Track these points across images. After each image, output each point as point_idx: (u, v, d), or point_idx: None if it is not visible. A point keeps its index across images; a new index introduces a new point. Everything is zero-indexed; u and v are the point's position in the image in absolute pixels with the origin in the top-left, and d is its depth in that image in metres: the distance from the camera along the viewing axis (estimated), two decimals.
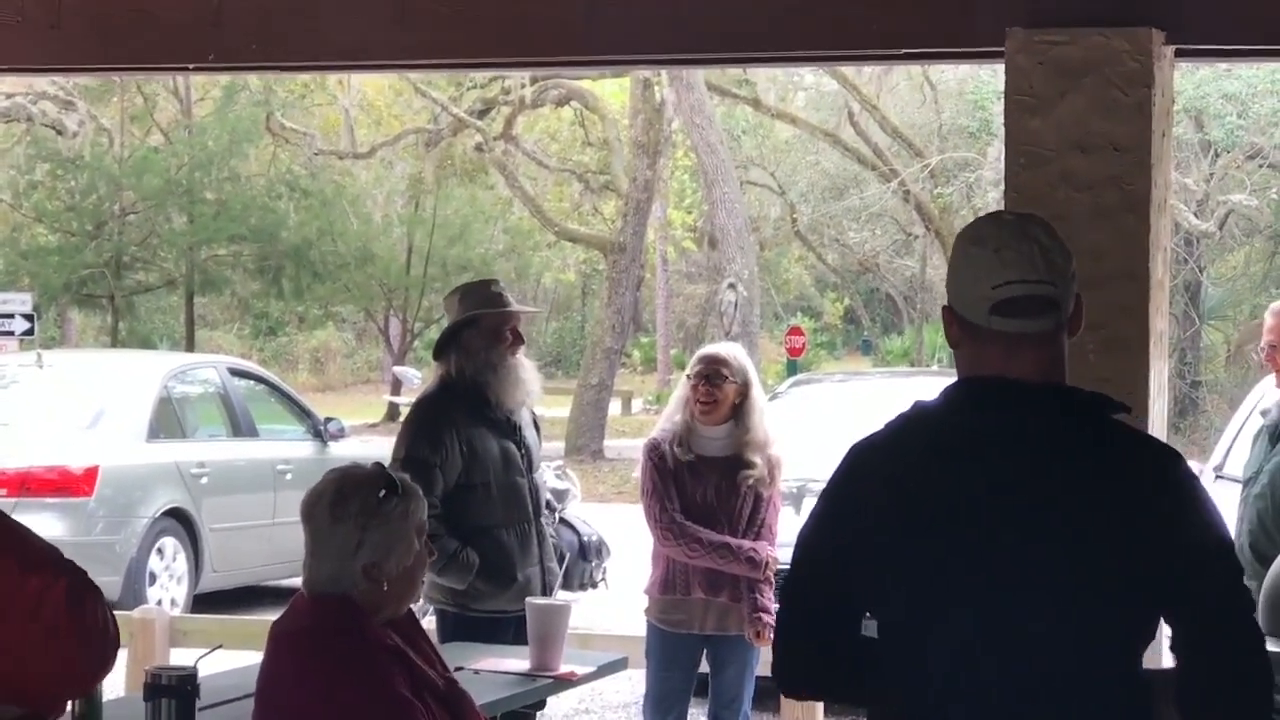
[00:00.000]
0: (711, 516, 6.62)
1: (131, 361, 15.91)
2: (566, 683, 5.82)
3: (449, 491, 6.34)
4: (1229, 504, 6.75)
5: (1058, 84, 5.09)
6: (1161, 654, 3.07)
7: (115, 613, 3.36)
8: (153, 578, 12.50)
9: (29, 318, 20.13)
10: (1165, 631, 3.04)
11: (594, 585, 10.56)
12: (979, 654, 2.94)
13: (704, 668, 6.82)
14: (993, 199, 26.33)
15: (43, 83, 26.78)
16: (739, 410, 6.69)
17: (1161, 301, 5.23)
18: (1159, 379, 5.22)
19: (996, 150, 25.52)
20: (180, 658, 6.66)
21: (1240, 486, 6.78)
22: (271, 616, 4.31)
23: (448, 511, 6.30)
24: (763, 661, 6.60)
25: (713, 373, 6.68)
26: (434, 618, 6.61)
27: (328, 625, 3.92)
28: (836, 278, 42.68)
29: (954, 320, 3.08)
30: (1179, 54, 5.31)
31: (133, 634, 7.24)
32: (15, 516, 3.34)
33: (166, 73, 19.41)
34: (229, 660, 5.13)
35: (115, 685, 4.09)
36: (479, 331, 6.48)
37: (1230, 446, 9.17)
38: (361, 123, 33.80)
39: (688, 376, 6.77)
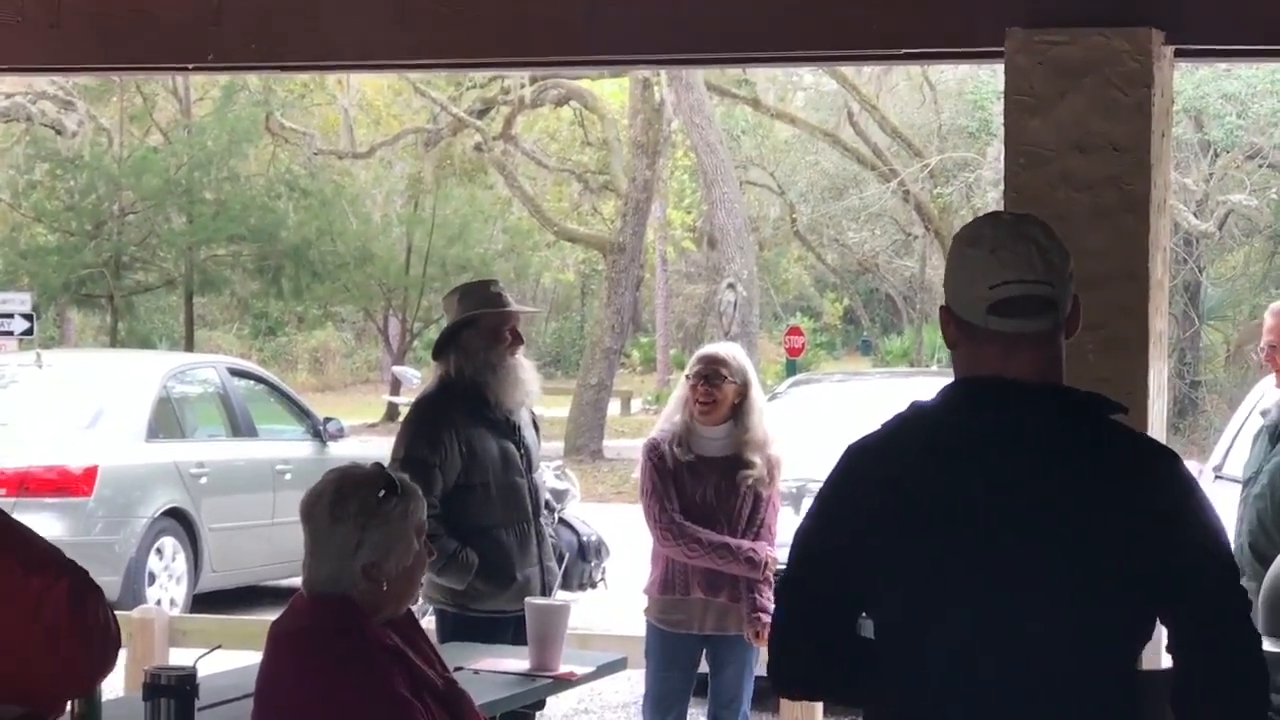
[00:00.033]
0: (711, 517, 6.62)
1: (131, 361, 15.91)
2: (566, 683, 5.82)
3: (448, 491, 6.34)
4: (1229, 504, 6.75)
5: (1057, 84, 5.09)
6: (1160, 654, 3.06)
7: (114, 613, 3.36)
8: (152, 578, 12.50)
9: (28, 317, 20.13)
10: (1161, 632, 3.04)
11: (593, 585, 10.56)
12: (976, 654, 2.95)
13: (703, 668, 6.83)
14: (992, 199, 26.32)
15: (42, 82, 26.78)
16: (738, 410, 6.69)
17: (1161, 301, 5.23)
18: (1158, 379, 5.22)
19: (996, 150, 25.51)
20: (179, 658, 6.66)
21: (1240, 487, 6.78)
22: (271, 616, 4.31)
23: (447, 511, 6.30)
24: (762, 661, 6.59)
25: (712, 373, 6.68)
26: (433, 618, 6.61)
27: (327, 625, 3.92)
28: (836, 278, 42.67)
29: (951, 320, 3.08)
30: (1179, 54, 5.31)
31: (132, 634, 7.24)
32: (14, 516, 3.34)
33: (166, 73, 19.41)
34: (228, 660, 5.13)
35: (114, 685, 4.09)
36: (478, 331, 6.48)
37: (1230, 447, 9.17)
38: (361, 122, 33.80)
39: (687, 377, 6.77)
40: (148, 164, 28.66)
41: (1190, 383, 28.04)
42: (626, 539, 10.89)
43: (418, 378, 20.30)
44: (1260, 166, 26.61)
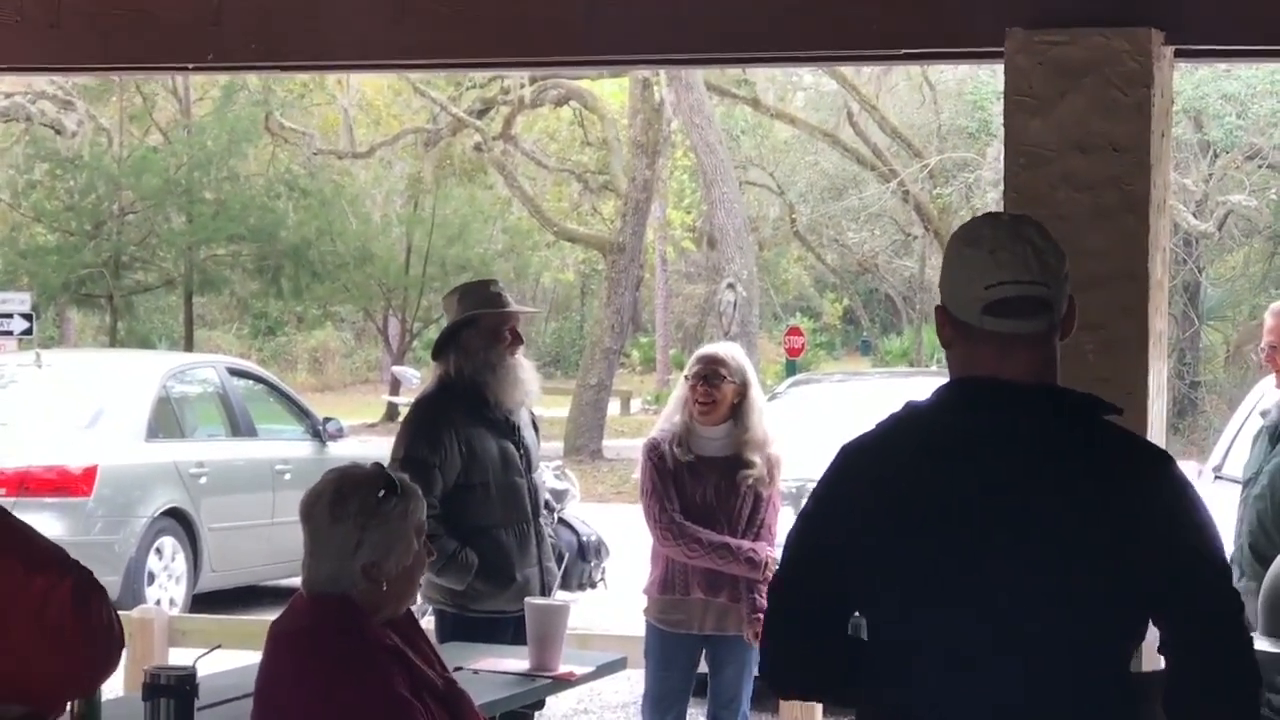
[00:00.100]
0: (711, 517, 6.62)
1: (130, 361, 15.91)
2: (565, 683, 5.82)
3: (448, 491, 6.33)
4: (1228, 505, 6.75)
5: (1057, 84, 5.09)
6: (1154, 655, 3.06)
7: (118, 613, 3.36)
8: (151, 577, 12.50)
9: (28, 317, 20.15)
10: (1153, 633, 3.04)
11: (593, 585, 10.55)
12: (971, 654, 2.95)
13: (703, 668, 6.82)
14: (992, 199, 26.32)
15: (42, 82, 26.78)
16: (738, 410, 6.69)
17: (1161, 302, 5.23)
18: (1158, 379, 5.22)
19: (996, 150, 25.51)
20: (179, 657, 6.66)
21: (1240, 487, 6.78)
22: (270, 616, 4.31)
23: (446, 512, 6.30)
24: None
25: (711, 373, 6.68)
26: (433, 618, 6.61)
27: (327, 625, 3.92)
28: (835, 278, 42.67)
29: (947, 320, 3.08)
30: (1179, 54, 5.31)
31: (131, 634, 7.23)
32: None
33: (166, 72, 19.41)
34: (228, 660, 5.13)
35: (114, 685, 4.08)
36: (478, 331, 6.48)
37: (1229, 447, 9.17)
38: (360, 122, 33.80)
39: (686, 377, 6.77)
40: (147, 164, 28.66)
41: (1190, 383, 28.05)
42: (626, 539, 10.89)
43: (417, 378, 20.30)
44: (1260, 167, 26.61)
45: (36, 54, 6.00)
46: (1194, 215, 26.34)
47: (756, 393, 6.80)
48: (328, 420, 14.43)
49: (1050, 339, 3.06)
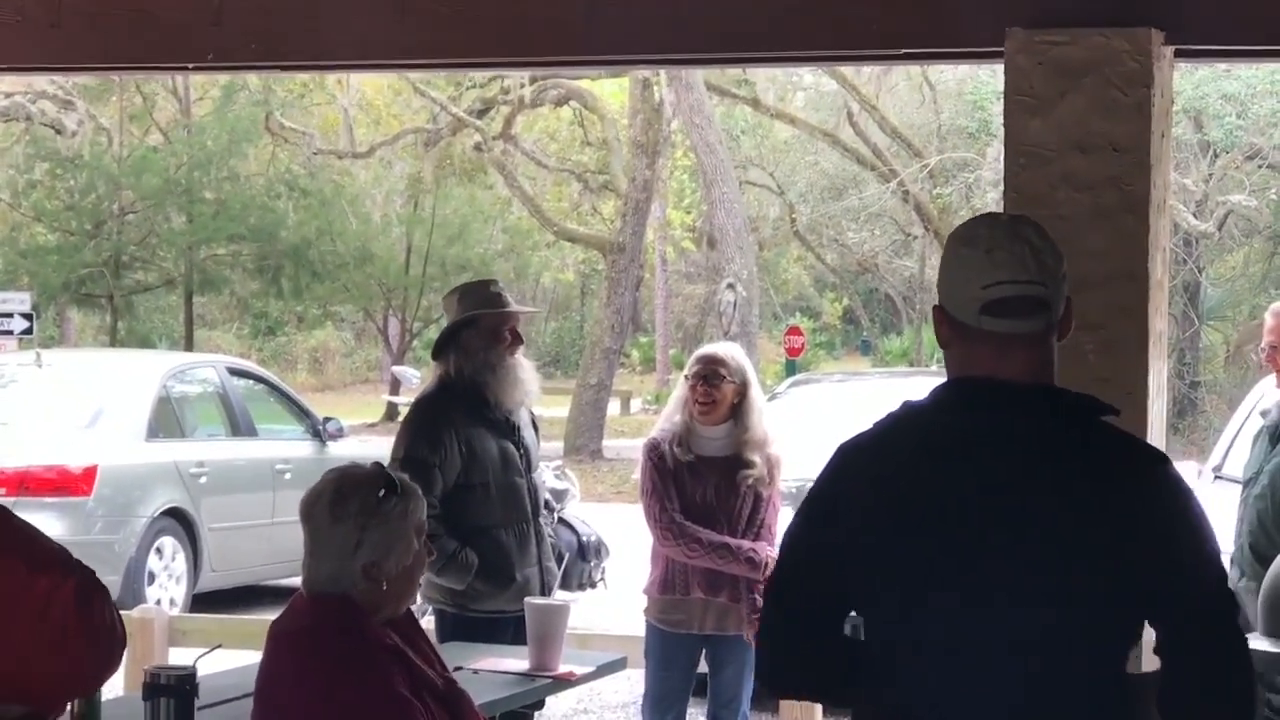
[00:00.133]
0: (711, 517, 6.62)
1: (130, 361, 15.90)
2: (565, 683, 5.82)
3: (448, 491, 6.33)
4: (1228, 505, 6.75)
5: (1058, 84, 5.09)
6: (1149, 656, 3.06)
7: (120, 613, 3.36)
8: (151, 577, 12.50)
9: (28, 317, 20.15)
10: (1148, 634, 3.04)
11: (593, 585, 10.53)
12: (970, 654, 2.95)
13: (703, 668, 6.82)
14: (992, 199, 26.32)
15: (42, 82, 26.79)
16: (738, 410, 6.69)
17: (1160, 302, 5.23)
18: (1158, 379, 5.22)
19: (996, 150, 25.52)
20: (179, 657, 6.66)
21: (1240, 487, 6.78)
22: (270, 616, 4.31)
23: (446, 512, 6.30)
24: None
25: (710, 373, 6.68)
26: (433, 618, 6.61)
27: (327, 625, 3.92)
28: (835, 278, 42.67)
29: (945, 320, 3.08)
30: (1179, 54, 5.31)
31: (131, 634, 7.18)
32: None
33: (166, 72, 19.41)
34: (228, 660, 5.13)
35: (114, 685, 4.08)
36: (478, 331, 6.48)
37: (1230, 447, 9.17)
38: (360, 122, 33.80)
39: (686, 377, 6.77)
40: (148, 164, 28.66)
41: (1190, 383, 28.05)
42: (626, 539, 10.89)
43: (417, 378, 20.30)
44: (1260, 167, 26.61)
45: (37, 54, 6.00)
46: (1194, 215, 26.34)
47: (756, 393, 6.80)
48: (328, 420, 14.43)
49: (1047, 339, 3.06)
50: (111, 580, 11.78)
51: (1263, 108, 24.84)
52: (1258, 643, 3.80)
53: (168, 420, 13.29)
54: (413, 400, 6.81)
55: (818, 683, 3.17)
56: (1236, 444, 8.85)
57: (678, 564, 6.63)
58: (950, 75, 29.48)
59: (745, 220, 27.67)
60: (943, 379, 3.11)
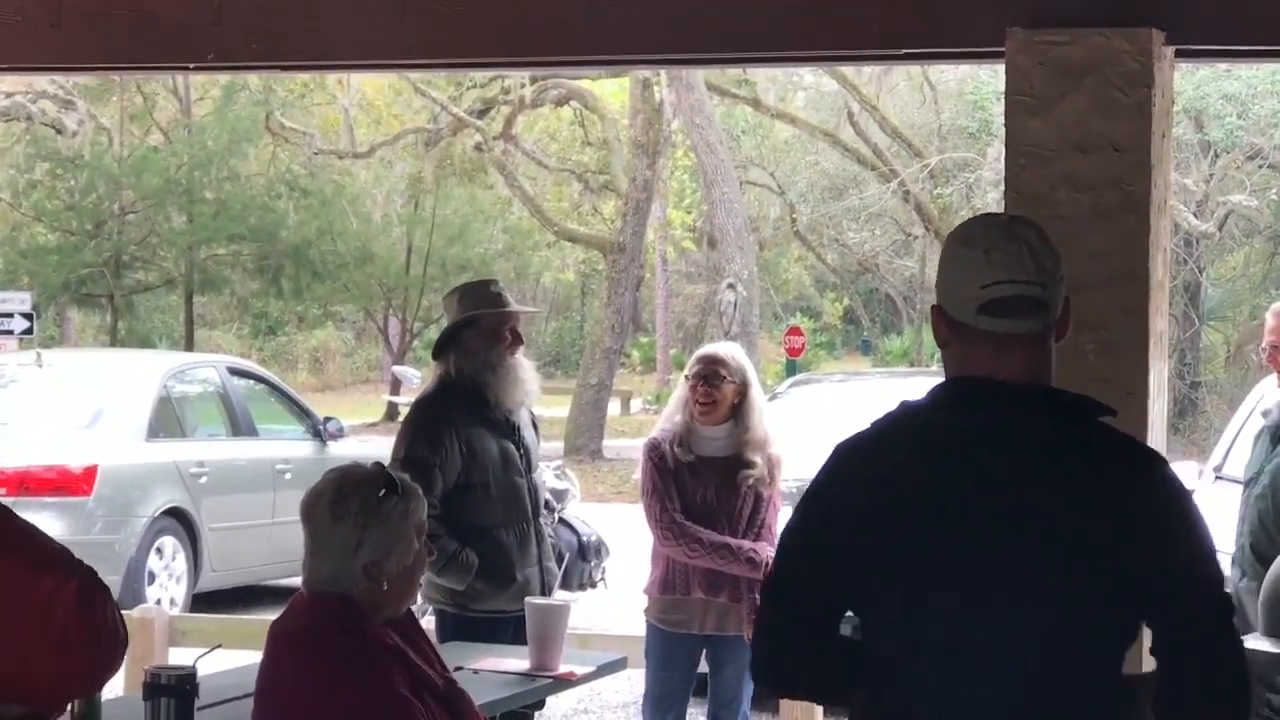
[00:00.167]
0: (711, 517, 6.62)
1: (131, 361, 15.90)
2: (566, 683, 5.82)
3: (448, 491, 6.34)
4: (1229, 505, 6.75)
5: (1058, 84, 5.09)
6: (1143, 657, 3.06)
7: (121, 612, 3.36)
8: (152, 577, 12.50)
9: (28, 317, 20.15)
10: (1144, 634, 3.04)
11: (593, 585, 10.55)
12: (968, 654, 2.95)
13: (703, 668, 6.82)
14: (992, 199, 26.33)
15: (42, 82, 26.79)
16: (738, 410, 6.69)
17: (1161, 302, 5.23)
18: (1158, 379, 5.22)
19: (996, 150, 25.53)
20: (179, 657, 6.66)
21: (1241, 487, 6.78)
22: (271, 616, 4.31)
23: (447, 511, 6.30)
24: None
25: (711, 373, 6.68)
26: (433, 618, 6.61)
27: (327, 625, 3.92)
28: (836, 278, 42.69)
29: (943, 320, 3.09)
30: (1179, 54, 5.31)
31: (132, 633, 7.19)
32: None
33: (166, 72, 19.41)
34: (228, 660, 5.12)
35: (114, 685, 4.08)
36: (478, 331, 6.48)
37: (1230, 447, 9.18)
38: (361, 122, 33.80)
39: (686, 377, 6.77)
40: (148, 163, 28.66)
41: (1190, 383, 28.05)
42: (626, 539, 10.89)
43: (418, 377, 20.30)
44: (1260, 167, 26.62)
45: (37, 54, 6.00)
46: (1194, 215, 26.35)
47: (757, 393, 6.80)
48: (328, 420, 14.43)
49: (1045, 339, 3.06)
50: (112, 580, 11.77)
51: (1263, 108, 24.85)
52: (1258, 643, 3.79)
53: (168, 420, 13.29)
54: (413, 400, 6.81)
55: (811, 681, 3.18)
56: (1237, 444, 8.85)
57: (678, 564, 6.63)
58: (951, 75, 29.48)
59: (746, 220, 27.67)
60: (942, 379, 3.11)
